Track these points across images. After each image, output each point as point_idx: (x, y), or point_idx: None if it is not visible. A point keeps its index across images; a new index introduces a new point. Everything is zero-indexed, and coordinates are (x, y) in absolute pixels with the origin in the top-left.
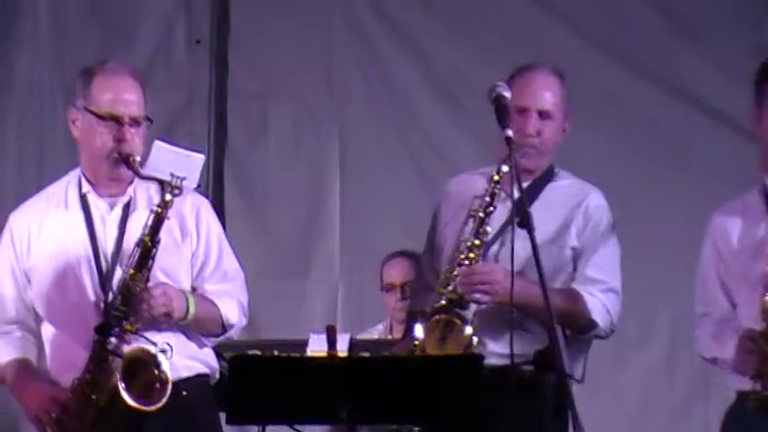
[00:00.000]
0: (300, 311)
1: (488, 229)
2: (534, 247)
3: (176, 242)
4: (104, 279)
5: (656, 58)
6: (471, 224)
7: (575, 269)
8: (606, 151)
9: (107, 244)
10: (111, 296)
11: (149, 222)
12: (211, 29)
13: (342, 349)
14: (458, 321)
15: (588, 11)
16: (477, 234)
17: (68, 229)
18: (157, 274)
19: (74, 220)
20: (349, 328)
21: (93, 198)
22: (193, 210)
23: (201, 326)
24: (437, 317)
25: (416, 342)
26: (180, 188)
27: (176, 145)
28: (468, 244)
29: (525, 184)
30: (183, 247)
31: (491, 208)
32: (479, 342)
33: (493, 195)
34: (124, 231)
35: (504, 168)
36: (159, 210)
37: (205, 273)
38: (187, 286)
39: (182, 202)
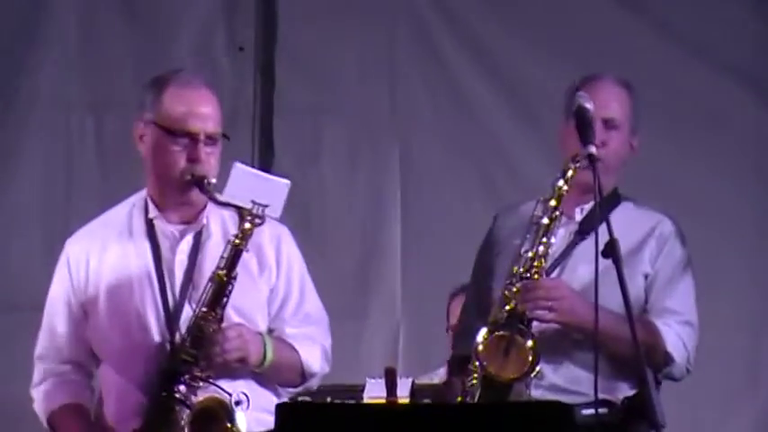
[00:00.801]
0: (357, 353)
1: (553, 240)
2: (621, 278)
3: (253, 277)
4: (171, 317)
5: (763, 70)
6: (533, 234)
7: (646, 300)
8: (705, 172)
9: (175, 277)
10: (178, 337)
11: (225, 254)
12: (256, 34)
13: (402, 395)
14: (519, 337)
15: (687, 16)
16: (540, 244)
17: (132, 259)
18: (229, 312)
19: (139, 250)
20: (411, 371)
21: (160, 225)
22: (273, 240)
23: (278, 373)
24: (497, 332)
25: (473, 379)
26: (261, 217)
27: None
28: (531, 254)
29: (587, 206)
30: (261, 283)
31: (557, 213)
32: (537, 374)
33: (560, 198)
34: (195, 263)
35: (569, 173)
36: (237, 241)
37: (285, 313)
38: (263, 327)
39: (259, 232)
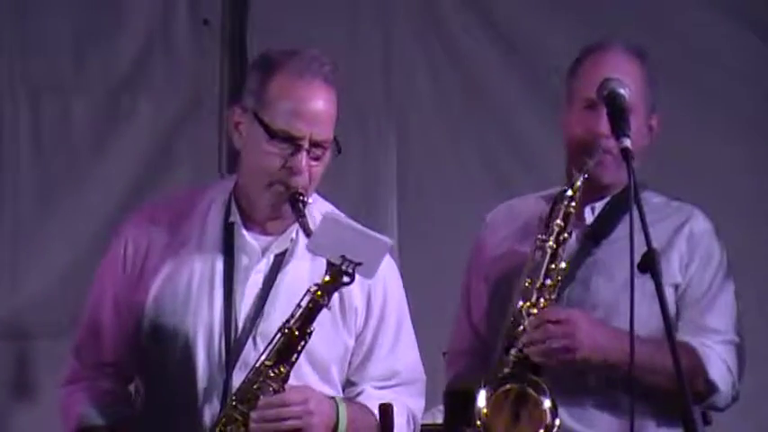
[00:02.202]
0: None
1: (563, 265)
2: (662, 297)
3: (335, 320)
4: (231, 352)
5: None
6: (539, 258)
7: (677, 316)
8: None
9: (245, 302)
10: (234, 382)
11: (303, 305)
12: (223, 4)
13: None
14: (532, 393)
15: None
16: (547, 272)
17: (197, 266)
18: (300, 362)
19: (207, 257)
20: None
21: (240, 234)
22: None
23: None
24: (505, 387)
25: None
26: (351, 276)
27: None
28: (538, 285)
29: (599, 205)
30: (343, 329)
31: (565, 234)
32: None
33: (567, 217)
34: (271, 288)
35: (578, 183)
36: (319, 293)
37: (369, 367)
38: (339, 379)
39: None
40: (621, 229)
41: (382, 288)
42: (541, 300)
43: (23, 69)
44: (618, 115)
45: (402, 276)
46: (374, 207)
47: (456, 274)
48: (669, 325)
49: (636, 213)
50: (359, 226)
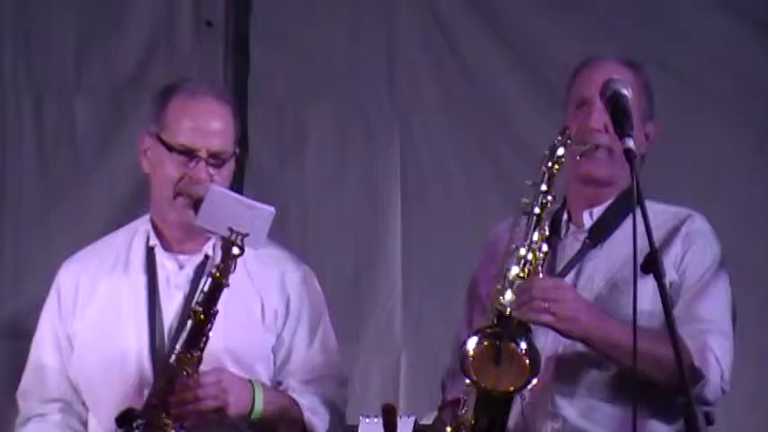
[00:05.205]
0: (350, 386)
1: (546, 232)
2: (664, 297)
3: (255, 320)
4: (157, 360)
5: None
6: (524, 227)
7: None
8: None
9: (168, 315)
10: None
11: (205, 288)
12: (227, 6)
13: None
14: (510, 343)
15: None
16: (532, 238)
17: (124, 292)
18: (223, 357)
19: (132, 282)
20: (414, 408)
21: (161, 255)
22: (285, 281)
23: (274, 429)
24: (486, 342)
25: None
26: (242, 247)
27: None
28: (523, 251)
29: (597, 211)
30: (264, 329)
31: (548, 198)
32: (556, 417)
33: (551, 180)
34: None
35: (560, 152)
36: (217, 273)
37: (291, 365)
38: (266, 378)
39: (267, 268)
40: (621, 232)
41: (299, 294)
42: (528, 264)
43: (27, 70)
44: (620, 115)
45: (406, 276)
46: (378, 207)
47: (459, 273)
48: (672, 323)
49: (638, 214)
50: (243, 198)
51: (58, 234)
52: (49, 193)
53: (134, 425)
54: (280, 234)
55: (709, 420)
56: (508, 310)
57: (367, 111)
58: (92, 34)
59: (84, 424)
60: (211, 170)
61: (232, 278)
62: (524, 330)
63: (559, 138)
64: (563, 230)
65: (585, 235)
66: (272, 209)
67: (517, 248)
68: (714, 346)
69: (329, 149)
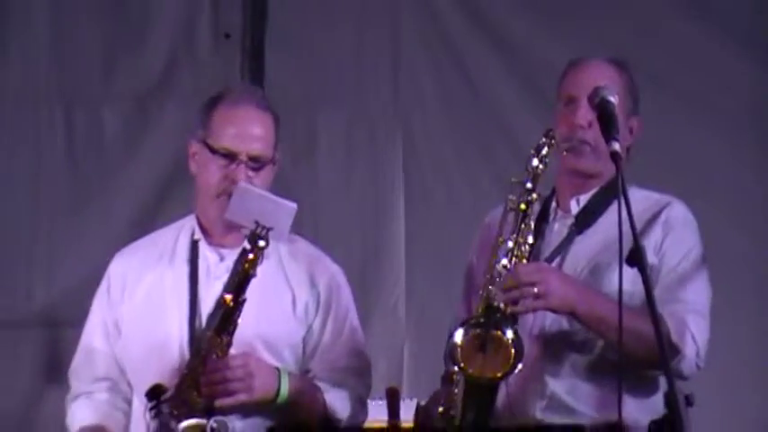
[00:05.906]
0: None
1: (532, 225)
2: (647, 285)
3: (285, 310)
4: (195, 345)
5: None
6: (511, 223)
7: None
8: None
9: (208, 303)
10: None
11: (235, 279)
12: (244, 19)
13: (406, 419)
14: (496, 331)
15: None
16: (519, 232)
17: (168, 282)
18: (254, 342)
19: (177, 273)
20: (417, 392)
21: (203, 247)
22: (317, 277)
23: (296, 415)
24: (473, 331)
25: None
26: (266, 240)
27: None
28: (511, 244)
29: (584, 198)
30: (294, 319)
31: (533, 195)
32: (544, 394)
33: (536, 179)
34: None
35: (545, 150)
36: (246, 264)
37: (318, 356)
38: (293, 365)
39: (300, 265)
40: (604, 219)
41: (330, 290)
42: (514, 257)
43: (58, 82)
44: (608, 120)
45: (409, 270)
46: (383, 205)
47: (459, 267)
48: (653, 305)
49: (623, 211)
50: (268, 194)
51: (87, 232)
52: (78, 195)
53: (162, 398)
54: (293, 229)
55: (689, 402)
56: (496, 303)
57: (372, 116)
58: (118, 47)
59: (129, 403)
60: (250, 173)
61: (269, 272)
62: (509, 320)
63: (544, 138)
64: (551, 216)
65: (572, 221)
66: (294, 204)
67: (505, 241)
68: (691, 325)
69: (338, 151)
